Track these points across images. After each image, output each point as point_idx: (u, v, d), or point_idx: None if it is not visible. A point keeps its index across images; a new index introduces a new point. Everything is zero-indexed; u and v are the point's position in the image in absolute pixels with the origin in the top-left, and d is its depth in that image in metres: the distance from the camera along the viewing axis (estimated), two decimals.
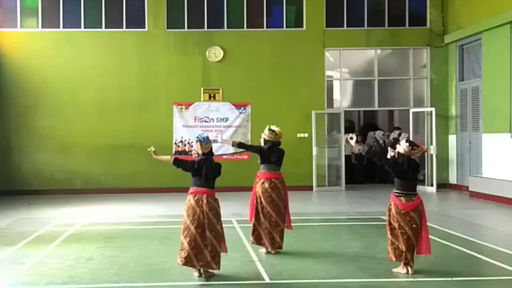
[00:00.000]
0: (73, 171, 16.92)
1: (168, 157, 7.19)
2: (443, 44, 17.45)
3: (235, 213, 12.09)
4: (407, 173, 7.17)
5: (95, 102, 17.04)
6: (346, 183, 17.38)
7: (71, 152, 16.94)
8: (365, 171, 19.34)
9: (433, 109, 16.92)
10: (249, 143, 8.74)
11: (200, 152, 7.11)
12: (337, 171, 17.56)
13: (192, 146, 17.14)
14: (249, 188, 9.04)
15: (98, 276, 7.22)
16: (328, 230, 10.88)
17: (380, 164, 7.40)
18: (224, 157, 17.00)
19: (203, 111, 17.24)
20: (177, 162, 7.16)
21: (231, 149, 17.17)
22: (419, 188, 8.25)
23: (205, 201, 6.96)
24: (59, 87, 16.97)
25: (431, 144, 16.88)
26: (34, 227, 10.79)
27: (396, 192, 7.21)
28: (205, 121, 17.23)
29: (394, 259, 7.27)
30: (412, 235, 7.10)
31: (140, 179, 16.76)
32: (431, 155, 16.83)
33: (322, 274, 7.24)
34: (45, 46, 17.08)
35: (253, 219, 8.48)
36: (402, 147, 7.22)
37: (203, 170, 6.99)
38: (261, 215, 8.39)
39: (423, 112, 17.42)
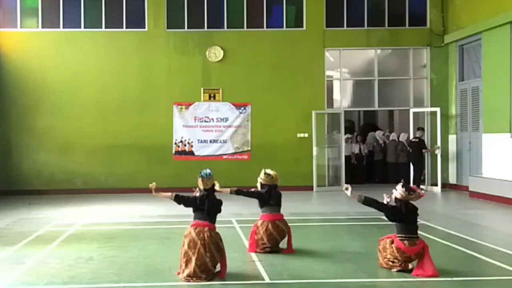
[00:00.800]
0: (73, 171, 16.92)
1: (168, 194, 7.15)
2: (443, 44, 17.44)
3: (235, 213, 12.08)
4: (406, 217, 7.21)
5: (95, 102, 17.04)
6: (346, 183, 17.31)
7: (71, 152, 16.95)
8: (365, 171, 19.32)
9: (437, 109, 16.86)
10: (247, 189, 8.68)
11: (201, 187, 7.14)
12: (337, 171, 17.56)
13: (192, 147, 17.16)
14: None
15: (98, 276, 7.21)
16: (328, 230, 10.87)
17: (380, 211, 7.41)
18: (224, 157, 17.01)
19: (203, 111, 17.23)
20: (178, 199, 7.14)
21: (231, 149, 17.18)
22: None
23: (207, 233, 6.95)
24: (59, 87, 16.97)
25: (436, 144, 16.85)
26: (34, 227, 10.79)
27: (399, 236, 7.23)
28: (205, 121, 17.22)
29: (383, 266, 7.36)
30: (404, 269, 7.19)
31: (140, 179, 16.72)
32: (436, 156, 16.81)
33: (322, 274, 7.23)
34: (45, 46, 17.08)
35: (254, 249, 8.50)
36: (398, 192, 7.28)
37: (205, 205, 7.02)
38: (261, 248, 8.44)
39: (423, 112, 17.42)
